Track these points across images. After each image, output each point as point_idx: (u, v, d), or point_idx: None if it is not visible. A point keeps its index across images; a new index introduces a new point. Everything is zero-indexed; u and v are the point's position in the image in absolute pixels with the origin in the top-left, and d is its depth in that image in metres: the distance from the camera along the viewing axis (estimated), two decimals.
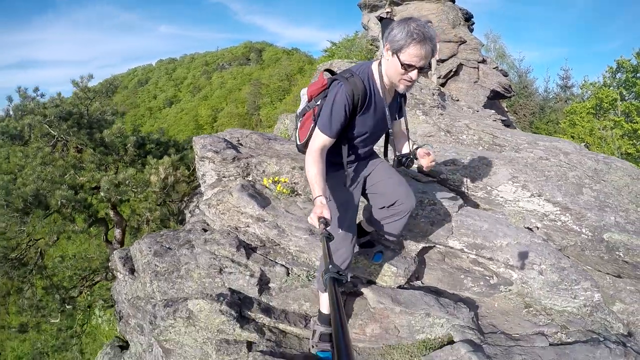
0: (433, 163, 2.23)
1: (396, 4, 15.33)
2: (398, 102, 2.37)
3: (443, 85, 13.44)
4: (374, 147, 2.58)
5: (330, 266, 1.26)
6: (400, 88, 2.06)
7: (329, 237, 1.61)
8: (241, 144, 4.37)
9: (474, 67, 14.63)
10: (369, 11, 16.19)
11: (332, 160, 2.31)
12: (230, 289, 2.73)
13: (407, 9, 15.31)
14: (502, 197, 3.81)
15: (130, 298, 3.36)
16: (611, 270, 3.59)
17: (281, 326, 2.54)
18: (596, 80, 17.44)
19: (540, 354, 2.47)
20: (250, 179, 3.76)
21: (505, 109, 18.89)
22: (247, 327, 2.45)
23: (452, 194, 3.75)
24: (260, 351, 2.28)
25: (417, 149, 2.31)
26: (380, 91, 2.16)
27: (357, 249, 2.64)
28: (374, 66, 2.17)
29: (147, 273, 3.10)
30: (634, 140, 14.14)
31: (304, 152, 2.31)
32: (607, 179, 4.36)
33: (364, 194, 2.58)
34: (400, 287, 2.85)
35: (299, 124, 2.46)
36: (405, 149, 2.44)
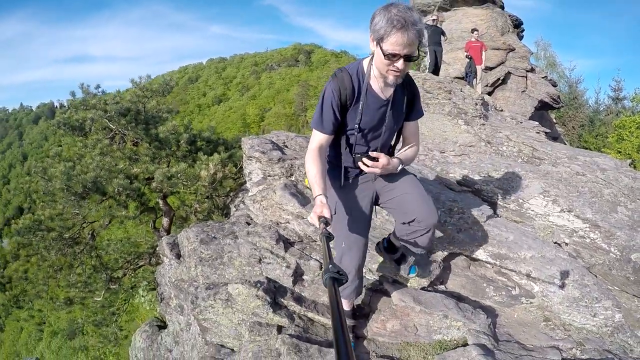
0: (375, 170, 2.14)
1: (444, 10, 15.35)
2: (408, 98, 2.25)
3: (490, 93, 13.31)
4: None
5: (330, 266, 1.26)
6: (390, 79, 1.99)
7: (329, 237, 1.61)
8: (286, 146, 4.69)
9: (522, 76, 14.43)
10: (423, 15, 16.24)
11: (337, 164, 2.35)
12: (267, 277, 3.01)
13: (455, 14, 15.31)
14: (532, 211, 3.91)
15: (174, 280, 3.70)
16: (637, 292, 3.61)
17: (310, 315, 2.78)
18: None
19: None
20: (293, 179, 4.06)
21: (554, 120, 18.38)
22: (279, 312, 2.72)
23: (482, 204, 3.89)
24: (289, 335, 2.53)
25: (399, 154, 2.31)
26: (374, 86, 2.11)
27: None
28: (366, 60, 2.14)
29: (192, 258, 3.44)
30: None
31: None
32: None
33: (378, 205, 2.50)
34: (423, 288, 3.03)
35: None
36: (413, 142, 2.41)
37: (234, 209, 5.09)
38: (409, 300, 2.80)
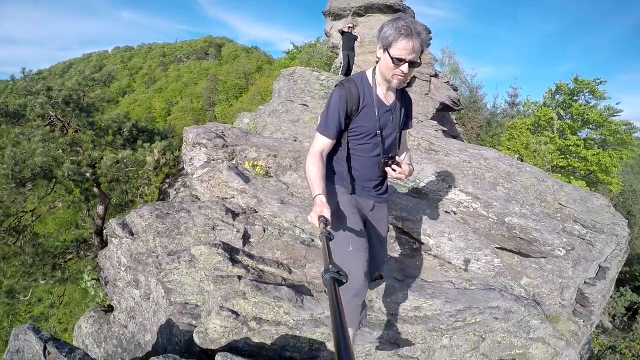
0: (401, 176, 2.29)
1: (359, 15, 16.59)
2: (402, 109, 2.45)
3: None
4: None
5: (330, 265, 1.29)
6: (394, 83, 2.21)
7: (328, 237, 1.64)
8: (225, 135, 5.35)
9: (426, 80, 16.02)
10: (332, 19, 17.31)
11: (340, 174, 2.48)
12: (221, 241, 3.70)
13: (368, 20, 16.62)
14: (427, 188, 5.00)
15: (130, 255, 4.21)
16: (513, 246, 4.83)
17: (260, 266, 3.52)
18: (537, 100, 19.63)
19: (446, 291, 3.61)
20: (234, 162, 4.75)
21: (454, 121, 20.62)
22: (236, 265, 3.42)
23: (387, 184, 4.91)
24: (249, 279, 3.26)
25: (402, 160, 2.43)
26: (377, 95, 2.31)
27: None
28: (369, 71, 2.35)
29: (148, 233, 3.99)
30: (566, 155, 16.16)
31: None
32: (517, 180, 5.67)
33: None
34: None
35: None
36: (404, 150, 2.64)
37: (175, 192, 5.64)
38: None
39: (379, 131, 2.33)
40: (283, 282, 3.39)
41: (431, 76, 16.29)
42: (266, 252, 3.69)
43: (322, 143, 2.28)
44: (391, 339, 3.09)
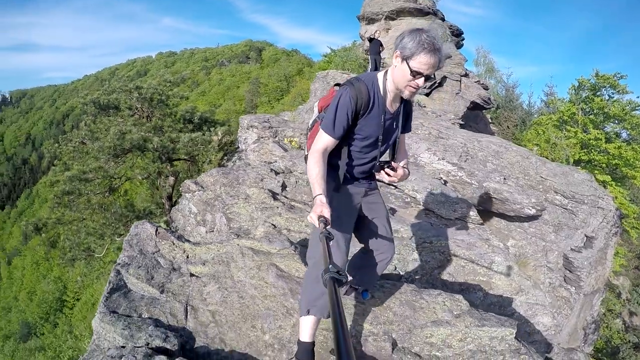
0: (394, 179, 2.37)
1: (391, 19, 18.00)
2: (404, 114, 2.54)
3: (428, 95, 15.99)
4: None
5: (330, 266, 1.37)
6: (405, 94, 2.25)
7: (329, 237, 1.71)
8: (270, 121, 7.23)
9: (457, 80, 17.11)
10: (367, 23, 18.67)
11: (339, 166, 2.53)
12: (267, 188, 5.46)
13: (400, 23, 17.99)
14: (423, 161, 6.61)
15: (201, 202, 6.03)
16: (490, 207, 6.33)
17: (292, 203, 5.22)
18: (564, 97, 20.51)
19: (422, 225, 5.17)
20: (277, 139, 6.57)
21: (490, 120, 21.67)
22: (276, 201, 5.16)
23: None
24: (285, 209, 5.00)
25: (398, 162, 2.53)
26: (384, 100, 2.35)
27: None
28: (380, 75, 2.37)
29: (216, 185, 5.79)
30: (589, 149, 17.03)
31: None
32: (504, 157, 7.16)
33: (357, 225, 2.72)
34: None
35: (308, 135, 2.69)
36: (403, 156, 2.69)
37: (232, 164, 7.56)
38: None
39: (380, 137, 2.41)
40: (307, 211, 5.12)
41: (461, 76, 17.32)
42: (297, 195, 5.40)
43: (327, 142, 2.31)
44: None
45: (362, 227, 2.71)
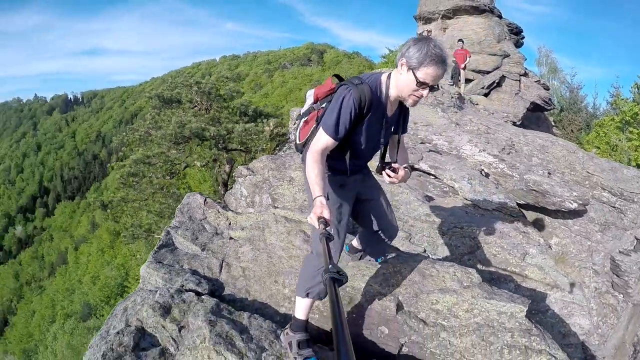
0: (395, 181, 2.38)
1: (448, 17, 17.91)
2: (401, 116, 2.55)
3: (486, 95, 15.66)
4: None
5: (330, 266, 1.40)
6: (409, 102, 2.27)
7: (329, 237, 1.76)
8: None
9: (516, 80, 16.69)
10: (424, 23, 18.70)
11: (331, 164, 2.51)
12: None
13: (457, 22, 17.84)
14: (465, 153, 6.67)
15: (251, 184, 6.45)
16: (531, 200, 6.29)
17: None
18: (628, 97, 19.24)
19: (456, 211, 5.26)
20: None
21: (552, 123, 20.82)
22: None
23: (429, 145, 6.70)
24: None
25: (399, 163, 2.52)
26: (386, 103, 2.36)
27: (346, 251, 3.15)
28: (384, 77, 2.35)
29: (265, 170, 6.19)
30: None
31: (301, 152, 2.65)
32: (550, 151, 7.08)
33: (355, 211, 2.78)
34: None
35: (301, 124, 2.67)
36: (401, 156, 2.67)
37: (282, 153, 7.99)
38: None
39: (382, 140, 2.46)
40: None
41: (521, 75, 16.91)
42: None
43: (327, 143, 2.28)
44: (402, 228, 4.83)
45: (362, 212, 2.81)
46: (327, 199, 2.31)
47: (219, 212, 4.40)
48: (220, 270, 3.41)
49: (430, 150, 6.51)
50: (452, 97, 10.16)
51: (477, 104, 12.47)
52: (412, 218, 4.87)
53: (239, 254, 3.58)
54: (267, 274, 3.21)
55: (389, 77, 2.33)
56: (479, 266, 4.52)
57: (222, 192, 11.63)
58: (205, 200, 4.56)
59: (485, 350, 2.66)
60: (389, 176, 2.36)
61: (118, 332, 2.47)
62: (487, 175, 6.49)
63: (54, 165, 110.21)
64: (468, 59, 14.16)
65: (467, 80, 16.19)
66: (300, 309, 2.57)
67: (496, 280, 4.41)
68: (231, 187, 7.45)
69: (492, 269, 4.45)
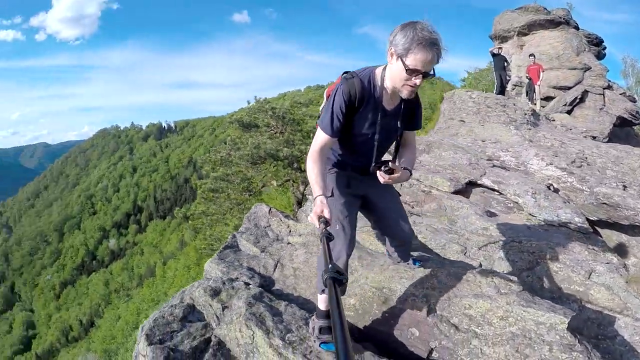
0: (389, 182, 2.30)
1: (523, 34, 17.39)
2: (407, 110, 2.41)
3: (569, 112, 14.93)
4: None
5: (330, 266, 1.38)
6: (404, 93, 2.14)
7: (329, 237, 1.74)
8: None
9: (600, 94, 15.74)
10: (500, 42, 18.26)
11: (333, 159, 2.55)
12: None
13: (533, 38, 17.25)
14: (532, 168, 6.49)
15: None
16: (602, 215, 5.98)
17: None
18: None
19: (515, 225, 5.12)
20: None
21: None
22: None
23: (497, 162, 6.59)
24: None
25: (399, 165, 2.42)
26: (382, 95, 2.26)
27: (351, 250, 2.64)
28: (379, 69, 2.27)
29: None
30: None
31: None
32: (625, 162, 6.69)
33: (363, 209, 2.73)
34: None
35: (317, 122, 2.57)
36: (409, 154, 2.56)
37: None
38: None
39: (377, 135, 2.34)
40: (410, 205, 5.44)
41: (604, 88, 15.99)
42: (406, 198, 5.65)
43: (323, 140, 2.28)
44: (458, 242, 4.76)
45: (372, 216, 2.78)
46: (332, 195, 2.39)
47: (281, 220, 4.76)
48: (274, 270, 3.70)
49: (494, 166, 6.41)
50: (525, 114, 9.88)
51: (553, 120, 11.96)
52: (469, 232, 4.82)
53: (293, 256, 3.87)
54: (314, 275, 3.39)
55: (384, 69, 2.22)
56: (537, 283, 4.20)
57: (296, 210, 12.25)
58: (270, 209, 4.97)
59: None
60: (382, 177, 2.27)
61: (172, 306, 2.87)
62: (556, 190, 6.26)
63: (148, 187, 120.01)
64: (542, 74, 13.60)
65: (548, 98, 15.55)
66: (321, 302, 2.59)
67: (557, 300, 4.00)
68: (303, 205, 7.84)
69: (553, 287, 4.09)
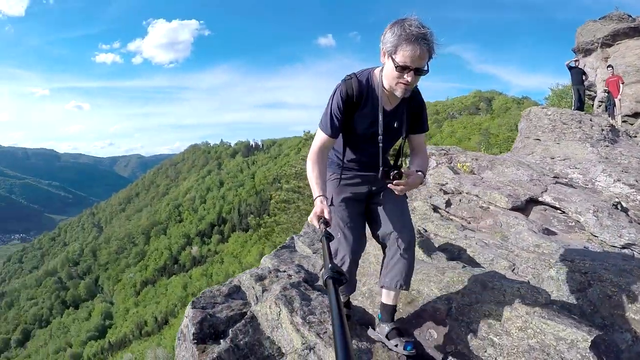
0: (397, 188, 2.20)
1: (607, 45, 16.27)
2: (410, 112, 2.36)
3: None
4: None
5: (330, 266, 1.39)
6: (398, 92, 2.10)
7: (329, 237, 1.74)
8: (449, 150, 7.97)
9: None
10: (583, 56, 17.35)
11: (337, 161, 2.52)
12: (432, 203, 5.92)
13: (618, 48, 16.01)
14: (600, 185, 6.23)
15: None
16: None
17: (450, 217, 5.64)
18: None
19: (572, 244, 5.00)
20: (451, 164, 7.21)
21: None
22: (436, 213, 5.69)
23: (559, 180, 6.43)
24: (440, 219, 5.57)
25: (411, 169, 2.35)
26: (381, 96, 2.23)
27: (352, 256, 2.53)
28: (377, 70, 2.25)
29: None
30: None
31: None
32: None
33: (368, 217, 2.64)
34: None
35: None
36: (419, 160, 2.45)
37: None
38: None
39: (380, 137, 2.30)
40: (462, 225, 5.49)
41: None
42: (458, 212, 5.79)
43: (322, 140, 2.28)
44: (507, 257, 4.67)
45: (371, 217, 2.62)
46: (331, 204, 2.37)
47: None
48: (321, 269, 3.98)
49: (557, 183, 6.25)
50: (602, 130, 9.39)
51: (635, 136, 11.15)
52: (519, 248, 4.77)
53: None
54: (358, 275, 3.67)
55: (382, 69, 2.18)
56: (588, 308, 3.76)
57: None
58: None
59: None
60: (391, 183, 2.20)
61: (221, 284, 3.40)
62: (625, 210, 5.96)
63: (233, 200, 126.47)
64: (622, 86, 12.69)
65: (636, 115, 14.49)
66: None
67: (609, 327, 3.60)
68: None
69: (605, 313, 3.70)
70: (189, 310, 2.97)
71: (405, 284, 2.54)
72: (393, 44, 1.96)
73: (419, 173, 2.30)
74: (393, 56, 1.98)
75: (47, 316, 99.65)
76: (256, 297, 3.18)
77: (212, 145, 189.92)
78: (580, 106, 12.42)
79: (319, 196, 2.11)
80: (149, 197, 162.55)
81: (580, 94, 12.46)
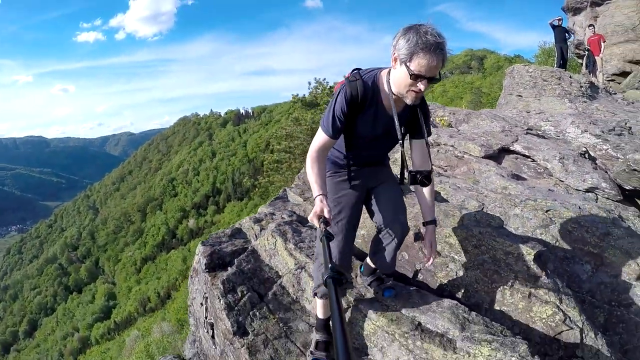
0: (435, 258, 2.31)
1: (597, 4, 16.42)
2: (415, 116, 2.36)
3: None
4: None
5: (330, 266, 1.37)
6: (408, 99, 2.09)
7: (329, 237, 1.75)
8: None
9: None
10: (573, 14, 17.54)
11: (334, 160, 2.56)
12: None
13: (608, 8, 16.16)
14: (570, 136, 6.78)
15: None
16: (635, 183, 6.15)
17: None
18: None
19: (541, 190, 5.60)
20: (430, 120, 7.70)
21: None
22: None
23: (531, 131, 6.95)
24: None
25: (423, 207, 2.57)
26: (385, 98, 2.23)
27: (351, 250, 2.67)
28: (384, 72, 2.24)
29: None
30: None
31: None
32: None
33: (366, 205, 2.70)
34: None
35: None
36: (424, 167, 2.44)
37: None
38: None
39: (382, 138, 2.37)
40: (437, 174, 6.01)
41: None
42: (435, 161, 6.20)
43: (323, 140, 2.28)
44: (477, 198, 5.22)
45: (369, 206, 2.67)
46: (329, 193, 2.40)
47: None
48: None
49: (528, 133, 6.79)
50: (581, 87, 9.89)
51: (614, 93, 11.67)
52: (488, 190, 5.26)
53: None
54: None
55: (389, 72, 2.17)
56: (552, 240, 4.06)
57: None
58: None
59: (488, 288, 2.88)
60: (430, 261, 2.47)
61: (225, 229, 3.99)
62: (593, 159, 6.51)
63: (227, 170, 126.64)
64: (603, 45, 13.12)
65: (624, 74, 14.90)
66: (318, 308, 2.66)
67: (570, 260, 3.80)
68: None
69: (566, 246, 3.90)
70: (199, 248, 3.57)
71: (390, 267, 2.72)
72: (408, 51, 1.94)
73: (432, 225, 2.59)
74: (408, 64, 1.96)
75: (51, 304, 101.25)
76: (255, 235, 3.79)
77: (202, 116, 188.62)
78: (563, 64, 12.87)
79: (319, 195, 2.11)
80: (142, 174, 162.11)
81: (562, 52, 12.89)
